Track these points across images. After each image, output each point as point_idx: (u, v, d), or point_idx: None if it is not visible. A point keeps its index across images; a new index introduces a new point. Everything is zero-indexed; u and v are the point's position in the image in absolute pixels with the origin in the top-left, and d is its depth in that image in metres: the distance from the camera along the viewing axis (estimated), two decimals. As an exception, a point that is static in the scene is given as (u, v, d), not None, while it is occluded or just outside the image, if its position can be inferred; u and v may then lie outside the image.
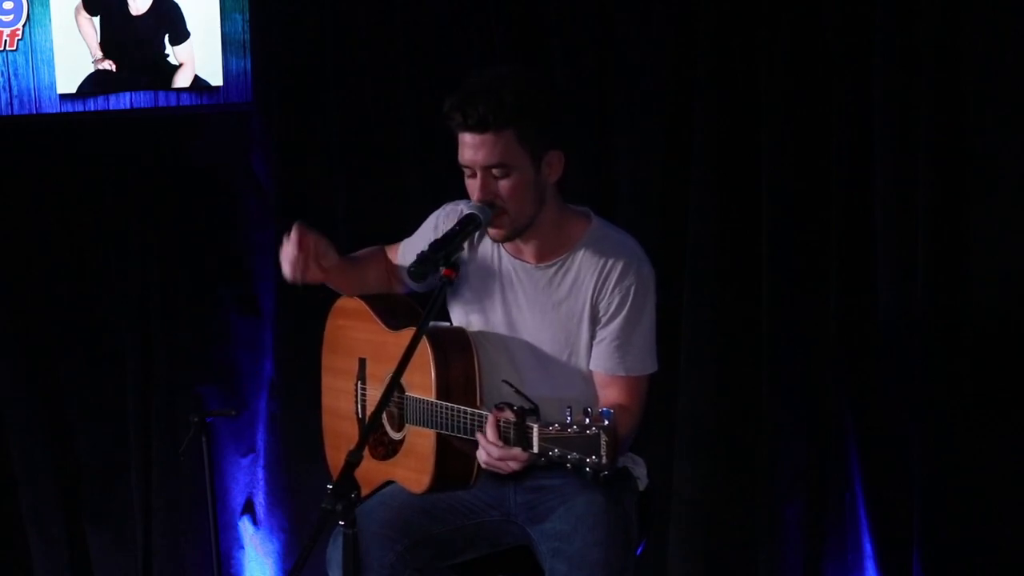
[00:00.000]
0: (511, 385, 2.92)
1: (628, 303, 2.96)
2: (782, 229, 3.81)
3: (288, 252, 3.08)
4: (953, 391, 3.65)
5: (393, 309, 3.21)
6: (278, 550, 4.42)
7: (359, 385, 3.24)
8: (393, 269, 3.29)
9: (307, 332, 4.27)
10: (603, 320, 2.98)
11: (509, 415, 2.73)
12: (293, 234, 3.07)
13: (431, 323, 2.92)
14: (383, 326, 3.18)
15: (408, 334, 2.83)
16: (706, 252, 3.87)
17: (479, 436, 2.80)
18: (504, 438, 2.76)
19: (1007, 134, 3.59)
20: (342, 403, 3.29)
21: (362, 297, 3.27)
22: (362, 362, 3.23)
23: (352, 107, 4.21)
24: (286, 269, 3.10)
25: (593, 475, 2.62)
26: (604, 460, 2.60)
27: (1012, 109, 3.58)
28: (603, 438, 2.61)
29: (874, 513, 3.79)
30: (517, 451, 2.71)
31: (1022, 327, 3.62)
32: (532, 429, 2.68)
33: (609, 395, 2.99)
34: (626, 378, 2.99)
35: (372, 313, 3.23)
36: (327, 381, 3.37)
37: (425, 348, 2.96)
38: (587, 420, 2.62)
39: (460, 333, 3.03)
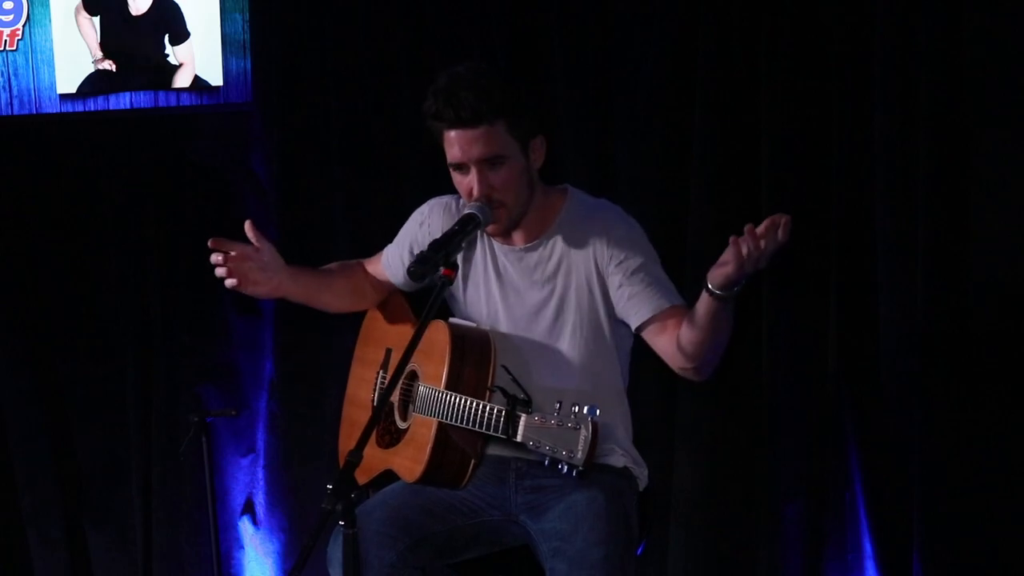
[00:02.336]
0: (509, 372, 2.93)
1: (635, 249, 2.95)
2: (782, 229, 3.80)
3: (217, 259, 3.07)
4: (953, 392, 3.65)
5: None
6: (278, 550, 4.42)
7: (380, 373, 3.26)
8: (378, 277, 3.30)
9: (307, 332, 4.29)
10: (620, 275, 2.94)
11: (501, 402, 2.75)
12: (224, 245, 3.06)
13: (461, 322, 3.04)
14: (414, 317, 3.21)
15: (435, 326, 2.89)
16: (706, 252, 3.86)
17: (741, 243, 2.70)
18: (495, 425, 2.80)
19: (1007, 134, 3.59)
20: (362, 391, 3.31)
21: (401, 292, 3.30)
22: (388, 351, 3.26)
23: (352, 107, 4.21)
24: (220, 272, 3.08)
25: (567, 469, 2.64)
26: (578, 455, 2.62)
27: (1012, 109, 3.58)
28: (582, 434, 2.63)
29: (874, 513, 3.79)
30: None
31: (1022, 328, 3.62)
32: (520, 418, 2.74)
33: (677, 328, 2.87)
34: (678, 307, 2.93)
35: (407, 304, 3.26)
36: (354, 370, 3.39)
37: (445, 340, 2.98)
38: (571, 415, 2.65)
39: (485, 337, 3.03)
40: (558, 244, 3.01)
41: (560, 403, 2.69)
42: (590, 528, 2.87)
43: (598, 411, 2.65)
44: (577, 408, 2.65)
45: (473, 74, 2.89)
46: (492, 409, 2.84)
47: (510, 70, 3.97)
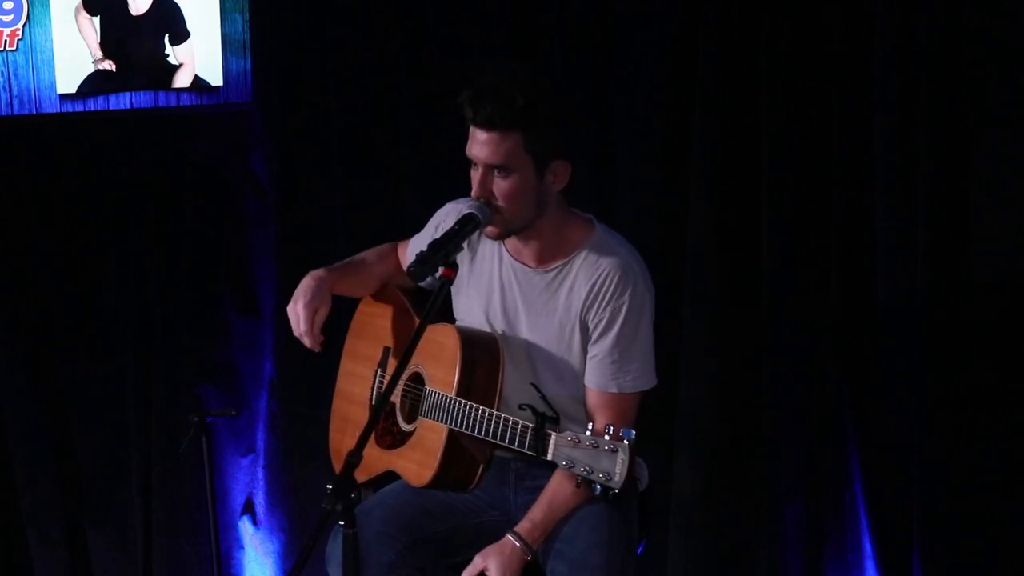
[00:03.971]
0: (538, 389, 2.92)
1: (620, 320, 2.93)
2: (782, 229, 3.81)
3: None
4: (953, 392, 3.65)
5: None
6: (278, 550, 4.42)
7: (379, 372, 3.25)
8: (402, 267, 3.31)
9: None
10: (594, 336, 2.96)
11: (529, 419, 2.76)
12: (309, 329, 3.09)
13: (467, 326, 3.04)
14: (415, 317, 3.19)
15: (438, 327, 2.89)
16: (706, 253, 3.87)
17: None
18: (520, 441, 2.78)
19: (1007, 134, 3.60)
20: (357, 388, 3.30)
21: (400, 288, 3.28)
22: (386, 350, 3.24)
23: (352, 107, 4.21)
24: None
25: (603, 491, 2.62)
26: (616, 479, 2.61)
27: (1012, 109, 3.58)
28: (620, 456, 2.61)
29: (874, 513, 3.79)
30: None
31: (1022, 328, 3.62)
32: (550, 437, 2.71)
33: (599, 417, 2.95)
34: (617, 395, 2.96)
35: (407, 303, 3.24)
36: (346, 365, 3.38)
37: (456, 345, 2.97)
38: (607, 436, 2.63)
39: (493, 341, 3.02)
40: (568, 279, 2.99)
41: (592, 422, 2.67)
42: (590, 530, 2.87)
43: (633, 434, 2.64)
44: (611, 429, 2.64)
45: (508, 79, 2.85)
46: (518, 424, 2.82)
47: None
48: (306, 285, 3.12)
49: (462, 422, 2.91)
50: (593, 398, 2.99)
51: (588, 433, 2.66)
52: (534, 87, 2.85)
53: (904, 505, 3.74)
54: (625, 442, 2.61)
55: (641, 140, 3.94)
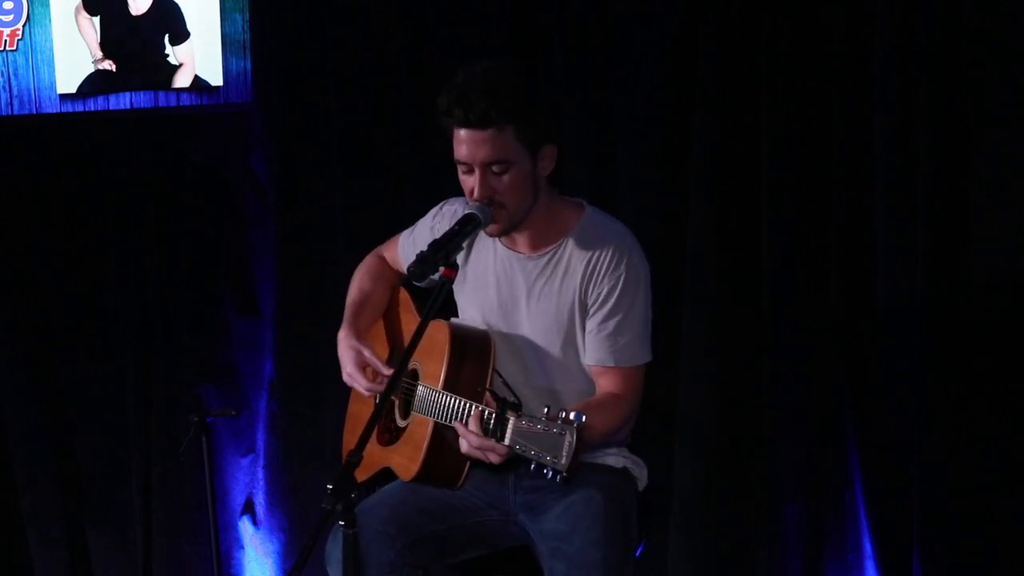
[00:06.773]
0: (500, 375, 2.93)
1: (617, 293, 2.95)
2: (782, 229, 3.81)
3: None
4: (953, 392, 3.65)
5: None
6: (278, 550, 4.42)
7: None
8: (395, 268, 3.31)
9: (307, 332, 4.29)
10: (592, 310, 2.97)
11: (492, 405, 2.75)
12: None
13: (462, 322, 3.03)
14: (419, 316, 3.19)
15: (432, 323, 2.87)
16: (706, 253, 3.87)
17: (459, 425, 2.81)
18: (484, 428, 2.78)
19: (1007, 134, 3.60)
20: None
21: (405, 286, 3.29)
22: (392, 350, 3.25)
23: (352, 107, 4.21)
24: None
25: (552, 475, 2.63)
26: (563, 461, 2.60)
27: (1012, 109, 3.58)
28: (567, 439, 2.60)
29: (874, 513, 3.79)
30: (494, 442, 2.73)
31: (1022, 328, 3.63)
32: (508, 421, 2.71)
33: (603, 386, 2.98)
34: (617, 369, 2.97)
35: (412, 303, 3.25)
36: None
37: (445, 340, 2.97)
38: (558, 420, 2.63)
39: (484, 336, 3.03)
40: (563, 260, 3.00)
41: (548, 407, 2.67)
42: (588, 528, 2.87)
43: (584, 417, 2.63)
44: (564, 413, 2.63)
45: (488, 75, 2.86)
46: (483, 411, 2.84)
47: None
48: (342, 352, 3.16)
49: (442, 414, 2.92)
50: (594, 374, 3.00)
51: (542, 418, 2.66)
52: (516, 78, 2.87)
53: (904, 505, 3.74)
54: (574, 425, 2.60)
55: (641, 140, 3.94)
